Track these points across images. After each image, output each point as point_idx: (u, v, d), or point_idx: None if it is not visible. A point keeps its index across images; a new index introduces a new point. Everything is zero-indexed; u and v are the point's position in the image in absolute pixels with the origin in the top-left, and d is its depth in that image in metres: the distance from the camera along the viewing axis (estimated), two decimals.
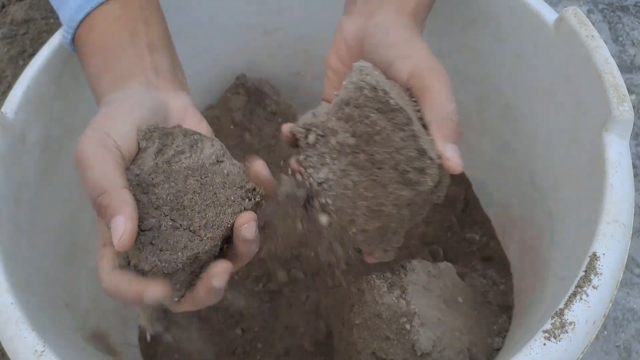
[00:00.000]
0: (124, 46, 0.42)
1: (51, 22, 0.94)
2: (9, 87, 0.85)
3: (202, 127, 0.43)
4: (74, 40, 0.45)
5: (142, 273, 0.33)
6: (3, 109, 0.44)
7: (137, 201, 0.34)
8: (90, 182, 0.34)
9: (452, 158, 0.37)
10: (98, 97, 0.42)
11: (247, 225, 0.35)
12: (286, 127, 0.40)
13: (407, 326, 0.42)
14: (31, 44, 0.92)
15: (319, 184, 0.38)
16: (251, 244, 0.35)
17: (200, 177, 0.36)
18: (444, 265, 0.49)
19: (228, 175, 0.37)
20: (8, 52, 0.91)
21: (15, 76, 0.87)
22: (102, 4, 0.43)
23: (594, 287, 0.33)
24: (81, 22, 0.43)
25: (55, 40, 0.49)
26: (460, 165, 0.38)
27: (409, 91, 0.39)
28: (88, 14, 0.43)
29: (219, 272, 0.34)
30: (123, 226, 0.32)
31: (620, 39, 0.95)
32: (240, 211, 0.36)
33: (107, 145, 0.35)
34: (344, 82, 0.38)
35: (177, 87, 0.44)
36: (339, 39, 0.44)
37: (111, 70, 0.42)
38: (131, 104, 0.39)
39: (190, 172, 0.36)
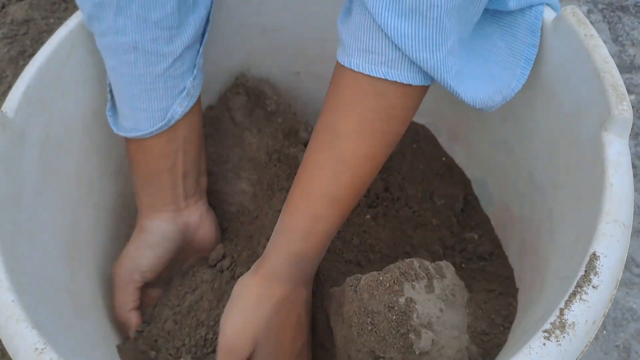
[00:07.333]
0: (163, 179, 0.52)
1: (51, 22, 0.94)
2: (9, 87, 0.85)
3: (212, 229, 0.56)
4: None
5: None
6: (3, 108, 0.44)
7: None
8: (114, 300, 0.52)
9: None
10: (138, 210, 0.54)
11: None
12: None
13: (407, 325, 0.42)
14: (31, 44, 0.92)
15: None
16: None
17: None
18: (444, 264, 0.49)
19: None
20: (8, 52, 0.91)
21: (16, 76, 0.87)
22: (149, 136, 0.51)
23: (593, 287, 0.33)
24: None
25: (55, 40, 0.49)
26: None
27: None
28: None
29: None
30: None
31: (620, 39, 0.95)
32: None
33: (132, 275, 0.51)
34: None
35: (197, 198, 0.55)
36: None
37: (149, 197, 0.53)
38: (159, 234, 0.52)
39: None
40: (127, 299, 0.51)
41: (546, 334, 0.31)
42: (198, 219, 0.55)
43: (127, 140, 0.52)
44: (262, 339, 0.44)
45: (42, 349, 0.33)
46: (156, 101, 0.49)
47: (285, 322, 0.45)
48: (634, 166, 0.81)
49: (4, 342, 0.35)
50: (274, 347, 0.45)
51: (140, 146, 0.51)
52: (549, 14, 0.47)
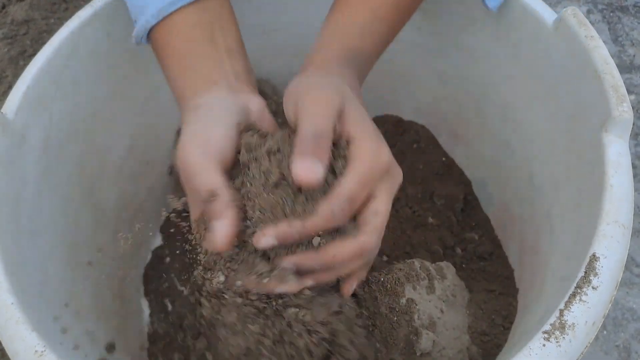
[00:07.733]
0: (205, 51, 0.43)
1: (51, 23, 0.94)
2: (9, 88, 0.85)
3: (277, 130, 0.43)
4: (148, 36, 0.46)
5: None
6: (3, 109, 0.44)
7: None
8: (199, 187, 0.36)
9: (299, 173, 0.34)
10: (180, 97, 0.44)
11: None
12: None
13: (408, 326, 0.42)
14: (31, 44, 0.92)
15: None
16: None
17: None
18: (444, 265, 0.49)
19: None
20: (8, 52, 0.91)
21: (16, 76, 0.87)
22: (179, 8, 0.43)
23: (593, 288, 0.33)
24: (157, 23, 0.44)
25: (55, 41, 0.49)
26: (309, 179, 0.33)
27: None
28: (166, 17, 0.44)
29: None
30: (225, 230, 0.34)
31: (620, 39, 0.95)
32: None
33: (209, 152, 0.37)
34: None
35: (252, 89, 0.45)
36: None
37: (193, 74, 0.43)
38: (221, 108, 0.40)
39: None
40: (218, 180, 0.36)
41: (546, 335, 0.31)
42: (260, 110, 0.43)
43: (154, 33, 0.45)
44: (347, 95, 0.38)
45: (42, 352, 0.33)
46: None
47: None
48: (634, 166, 0.81)
49: (3, 343, 0.35)
50: (360, 104, 0.39)
51: (170, 26, 0.44)
52: (549, 15, 0.47)
